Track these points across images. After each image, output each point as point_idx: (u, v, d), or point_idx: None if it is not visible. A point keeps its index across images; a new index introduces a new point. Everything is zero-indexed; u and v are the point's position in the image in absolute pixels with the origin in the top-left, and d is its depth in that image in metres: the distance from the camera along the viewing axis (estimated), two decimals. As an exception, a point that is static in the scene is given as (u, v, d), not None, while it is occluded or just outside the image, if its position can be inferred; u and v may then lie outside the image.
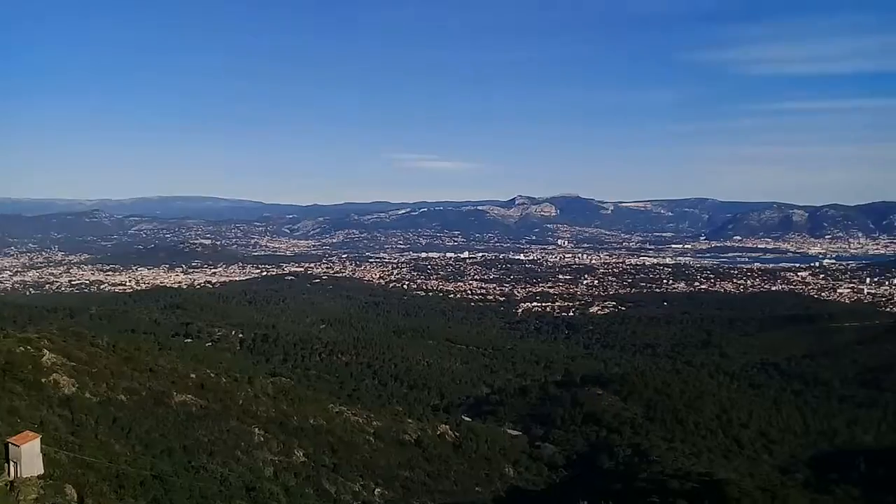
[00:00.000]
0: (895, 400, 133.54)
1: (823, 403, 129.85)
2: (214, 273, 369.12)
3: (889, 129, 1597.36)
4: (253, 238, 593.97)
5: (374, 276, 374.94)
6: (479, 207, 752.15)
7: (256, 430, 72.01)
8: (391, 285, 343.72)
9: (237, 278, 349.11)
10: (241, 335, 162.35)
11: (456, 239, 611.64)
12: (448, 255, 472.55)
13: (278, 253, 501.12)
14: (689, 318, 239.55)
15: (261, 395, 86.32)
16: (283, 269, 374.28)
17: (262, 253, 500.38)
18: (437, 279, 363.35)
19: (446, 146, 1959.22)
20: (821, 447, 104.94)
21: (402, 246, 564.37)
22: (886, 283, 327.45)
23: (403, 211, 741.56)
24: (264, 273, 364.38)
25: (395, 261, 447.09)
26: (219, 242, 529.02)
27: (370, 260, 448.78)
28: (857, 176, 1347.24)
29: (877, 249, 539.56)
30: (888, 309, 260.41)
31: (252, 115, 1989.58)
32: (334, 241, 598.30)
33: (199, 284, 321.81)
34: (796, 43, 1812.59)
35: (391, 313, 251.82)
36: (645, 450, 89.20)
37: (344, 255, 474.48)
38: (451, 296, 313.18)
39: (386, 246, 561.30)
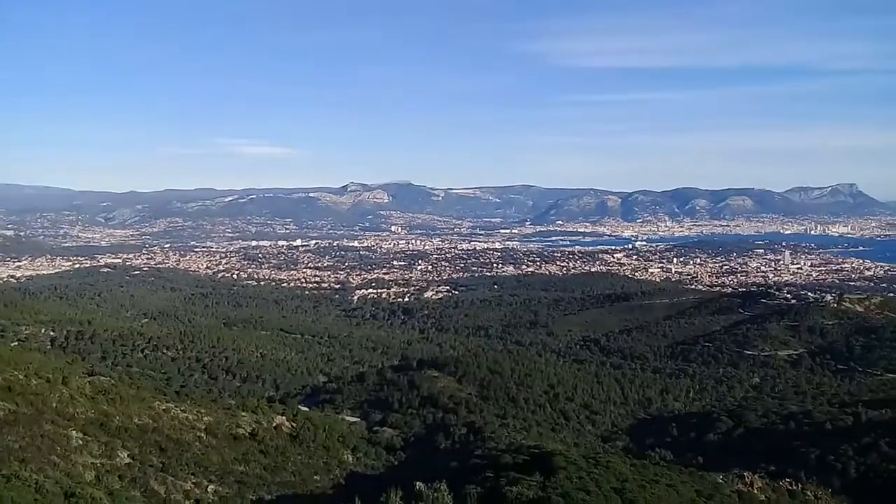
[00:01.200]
0: (699, 370, 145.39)
1: (639, 375, 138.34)
2: (19, 267, 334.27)
3: (691, 119, 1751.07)
4: (63, 228, 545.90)
5: (200, 266, 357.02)
6: (311, 194, 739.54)
7: (74, 433, 64.87)
8: (220, 275, 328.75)
9: (46, 272, 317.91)
10: (52, 333, 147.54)
11: (288, 227, 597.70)
12: (280, 243, 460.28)
13: (92, 244, 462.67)
14: (517, 299, 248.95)
15: (77, 395, 78.07)
16: (99, 261, 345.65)
17: (74, 244, 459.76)
18: (268, 268, 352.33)
19: (275, 131, 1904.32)
20: (638, 415, 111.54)
21: (230, 234, 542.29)
22: (690, 262, 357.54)
23: (231, 198, 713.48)
24: (77, 265, 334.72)
25: (224, 250, 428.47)
26: (23, 233, 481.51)
27: (196, 249, 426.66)
28: (664, 164, 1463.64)
29: (682, 231, 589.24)
30: (692, 286, 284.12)
31: (57, 90, 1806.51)
32: (155, 230, 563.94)
33: (0, 279, 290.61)
34: (612, 37, 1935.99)
35: (220, 304, 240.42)
36: (479, 427, 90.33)
37: (167, 245, 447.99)
38: (285, 285, 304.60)
39: (213, 235, 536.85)
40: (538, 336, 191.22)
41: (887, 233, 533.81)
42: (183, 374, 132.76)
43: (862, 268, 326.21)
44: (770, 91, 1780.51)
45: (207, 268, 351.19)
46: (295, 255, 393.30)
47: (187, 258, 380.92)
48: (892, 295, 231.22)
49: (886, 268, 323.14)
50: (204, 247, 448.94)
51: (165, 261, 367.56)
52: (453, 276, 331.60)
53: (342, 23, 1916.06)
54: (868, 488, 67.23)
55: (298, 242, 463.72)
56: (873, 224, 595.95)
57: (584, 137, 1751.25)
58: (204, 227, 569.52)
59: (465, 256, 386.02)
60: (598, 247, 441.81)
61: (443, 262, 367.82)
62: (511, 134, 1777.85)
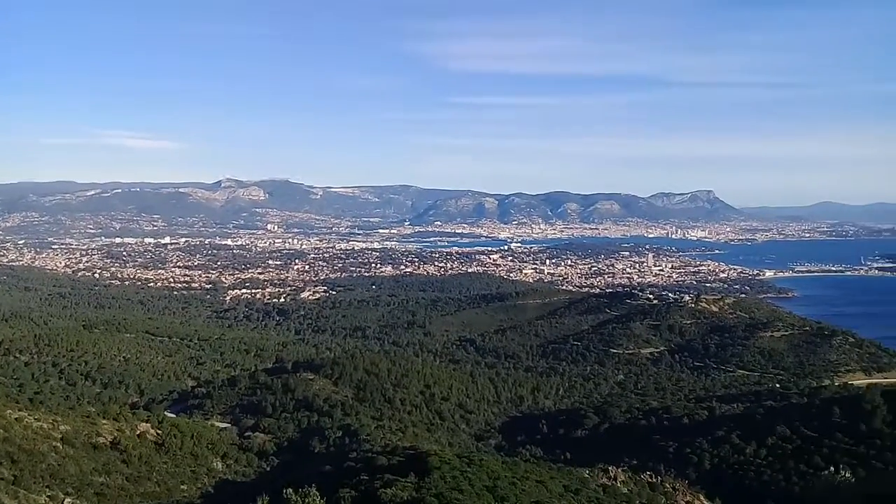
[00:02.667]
0: (569, 368, 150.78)
1: (512, 374, 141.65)
2: None
3: (565, 124, 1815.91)
4: None
5: (58, 264, 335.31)
6: (182, 190, 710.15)
7: None
8: (80, 274, 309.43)
9: None
10: None
11: (155, 223, 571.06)
12: (147, 240, 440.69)
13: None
14: (395, 300, 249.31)
15: None
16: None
17: None
18: (134, 266, 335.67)
19: (143, 122, 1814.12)
20: (510, 414, 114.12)
21: (92, 230, 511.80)
22: (562, 264, 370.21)
23: (93, 192, 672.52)
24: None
25: (85, 247, 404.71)
26: None
27: (53, 246, 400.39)
28: (539, 168, 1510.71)
29: (554, 234, 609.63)
30: (564, 287, 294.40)
31: None
32: (8, 224, 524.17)
33: None
34: (493, 40, 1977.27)
35: (80, 305, 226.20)
36: (355, 430, 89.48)
37: (21, 242, 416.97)
38: (151, 284, 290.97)
39: (73, 231, 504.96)
40: (416, 336, 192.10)
41: (741, 237, 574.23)
42: (37, 380, 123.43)
43: (717, 270, 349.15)
44: (637, 100, 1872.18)
45: (66, 266, 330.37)
46: (163, 254, 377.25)
47: (44, 255, 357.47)
48: (744, 296, 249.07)
49: (739, 270, 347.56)
50: (63, 244, 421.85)
51: (20, 258, 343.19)
52: (331, 276, 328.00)
53: (225, 16, 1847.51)
54: (721, 478, 71.76)
55: (167, 240, 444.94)
56: (728, 229, 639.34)
57: (464, 139, 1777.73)
58: (63, 223, 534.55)
59: (343, 256, 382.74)
60: (476, 248, 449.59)
61: (320, 262, 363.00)
62: (392, 134, 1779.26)
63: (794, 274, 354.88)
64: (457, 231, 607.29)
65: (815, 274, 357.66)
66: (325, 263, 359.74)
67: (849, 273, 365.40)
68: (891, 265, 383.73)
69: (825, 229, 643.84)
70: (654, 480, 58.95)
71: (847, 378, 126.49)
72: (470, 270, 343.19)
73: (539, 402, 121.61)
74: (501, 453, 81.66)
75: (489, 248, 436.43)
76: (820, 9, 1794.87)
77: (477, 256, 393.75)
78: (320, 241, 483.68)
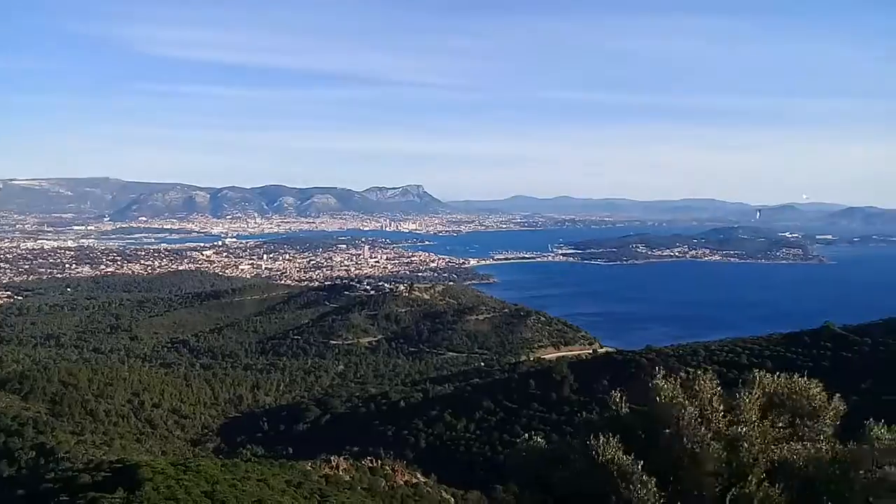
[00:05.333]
0: (290, 363, 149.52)
1: (230, 373, 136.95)
2: None
3: (280, 117, 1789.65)
4: None
5: None
6: None
7: None
8: None
9: None
10: None
11: None
12: None
13: None
14: (95, 303, 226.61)
15: None
16: None
17: None
18: None
19: None
20: (229, 414, 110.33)
21: None
22: (280, 258, 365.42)
23: None
24: None
25: None
26: None
27: None
28: (253, 160, 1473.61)
29: (271, 228, 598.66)
30: (282, 282, 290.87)
31: None
32: None
33: None
34: (204, 28, 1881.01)
35: None
36: (51, 448, 79.78)
37: None
38: None
39: None
40: (121, 342, 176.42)
41: (447, 229, 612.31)
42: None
43: (428, 260, 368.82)
44: (351, 96, 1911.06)
45: None
46: None
47: None
48: (452, 283, 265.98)
49: (447, 259, 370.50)
50: None
51: None
52: (16, 279, 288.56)
53: None
54: (436, 455, 76.11)
55: None
56: (436, 221, 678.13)
57: (170, 130, 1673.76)
58: None
59: (30, 257, 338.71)
60: (187, 244, 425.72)
61: (2, 264, 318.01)
62: (85, 122, 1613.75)
63: (495, 261, 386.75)
64: (165, 227, 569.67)
65: (513, 261, 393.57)
66: (7, 265, 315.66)
67: (539, 259, 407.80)
68: (572, 251, 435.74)
69: (519, 220, 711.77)
70: (375, 465, 60.69)
71: (540, 353, 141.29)
72: (181, 268, 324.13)
73: (259, 399, 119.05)
74: (220, 456, 78.47)
75: (202, 245, 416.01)
76: (510, 16, 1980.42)
77: (188, 253, 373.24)
78: (0, 240, 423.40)
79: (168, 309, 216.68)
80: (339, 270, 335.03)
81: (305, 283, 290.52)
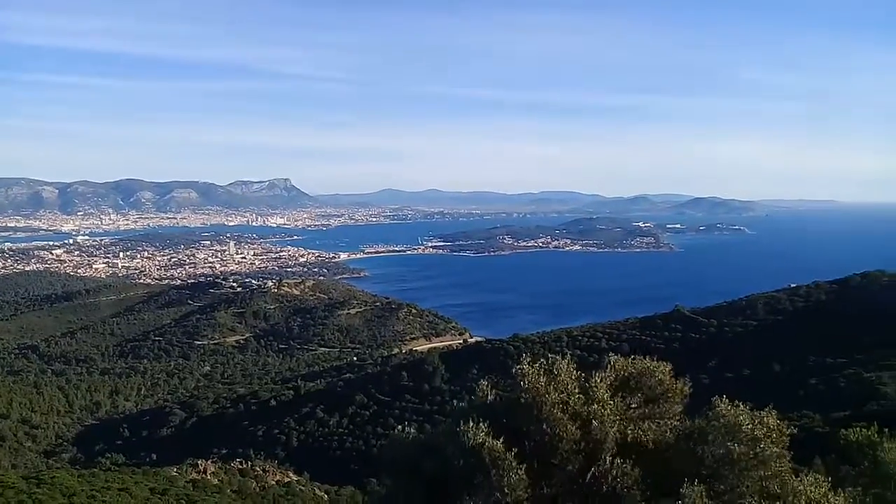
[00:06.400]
0: (151, 365, 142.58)
1: (86, 379, 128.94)
2: None
3: (134, 109, 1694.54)
4: None
5: None
6: None
7: None
8: None
9: None
10: None
11: None
12: None
13: None
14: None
15: None
16: None
17: None
18: None
19: None
20: (86, 422, 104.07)
21: None
22: (138, 256, 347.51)
23: None
24: None
25: None
26: None
27: None
28: (106, 154, 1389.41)
29: (128, 225, 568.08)
30: (141, 280, 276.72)
31: None
32: None
33: None
34: (50, 13, 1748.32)
35: None
36: None
37: None
38: None
39: None
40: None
41: (316, 223, 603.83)
42: None
43: (297, 255, 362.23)
44: (214, 88, 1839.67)
45: None
46: None
47: None
48: (322, 278, 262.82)
49: (317, 254, 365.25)
50: None
51: None
52: None
53: None
54: (309, 453, 75.18)
55: None
56: (305, 215, 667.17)
57: (12, 120, 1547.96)
58: None
59: None
60: (34, 243, 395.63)
61: None
62: None
63: (366, 255, 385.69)
64: (9, 225, 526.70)
65: (383, 254, 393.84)
66: None
67: (410, 252, 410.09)
68: (442, 244, 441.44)
69: (389, 213, 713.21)
70: (245, 466, 59.24)
71: (412, 345, 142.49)
72: (28, 269, 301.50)
73: (119, 405, 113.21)
74: (77, 466, 73.90)
75: (51, 243, 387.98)
76: (379, 11, 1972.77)
77: (36, 252, 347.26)
78: None
79: (14, 313, 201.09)
80: (202, 268, 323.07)
81: (167, 281, 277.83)
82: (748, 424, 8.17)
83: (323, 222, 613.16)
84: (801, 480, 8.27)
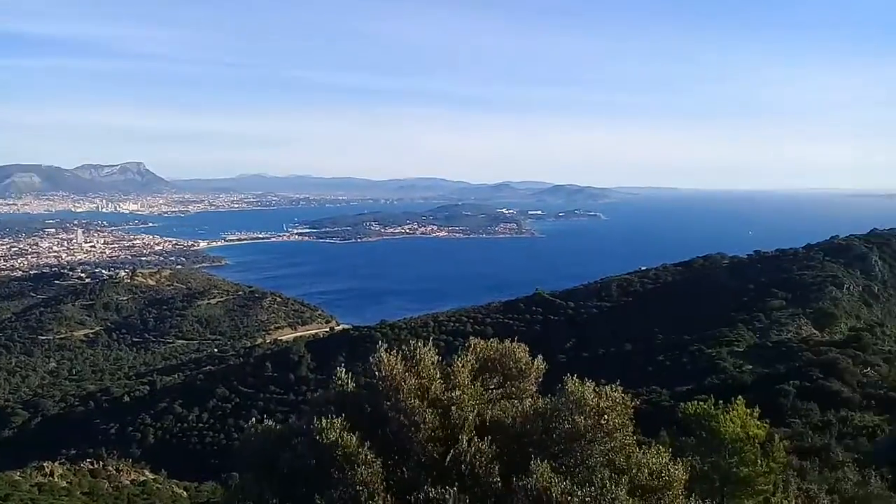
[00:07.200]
0: None
1: None
2: None
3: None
4: None
5: None
6: None
7: None
8: None
9: None
10: None
11: None
12: None
13: None
14: None
15: None
16: None
17: None
18: None
19: None
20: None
21: None
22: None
23: None
24: None
25: None
26: None
27: None
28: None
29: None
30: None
31: None
32: None
33: None
34: None
35: None
36: None
37: None
38: None
39: None
40: None
41: (174, 209, 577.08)
42: None
43: (153, 243, 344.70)
44: (54, 65, 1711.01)
45: None
46: None
47: None
48: (180, 267, 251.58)
49: (174, 242, 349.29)
50: None
51: None
52: None
53: None
54: (167, 449, 72.05)
55: None
56: (161, 201, 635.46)
57: None
58: None
59: None
60: None
61: None
62: None
63: (227, 243, 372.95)
64: None
65: (246, 241, 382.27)
66: None
67: (274, 239, 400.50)
68: (308, 230, 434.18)
69: (252, 199, 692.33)
70: (96, 466, 55.92)
71: (277, 334, 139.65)
72: None
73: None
74: None
75: None
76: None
77: None
78: None
79: None
80: (47, 258, 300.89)
81: (6, 272, 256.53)
82: (593, 398, 8.53)
83: (181, 209, 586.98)
84: (644, 453, 8.73)
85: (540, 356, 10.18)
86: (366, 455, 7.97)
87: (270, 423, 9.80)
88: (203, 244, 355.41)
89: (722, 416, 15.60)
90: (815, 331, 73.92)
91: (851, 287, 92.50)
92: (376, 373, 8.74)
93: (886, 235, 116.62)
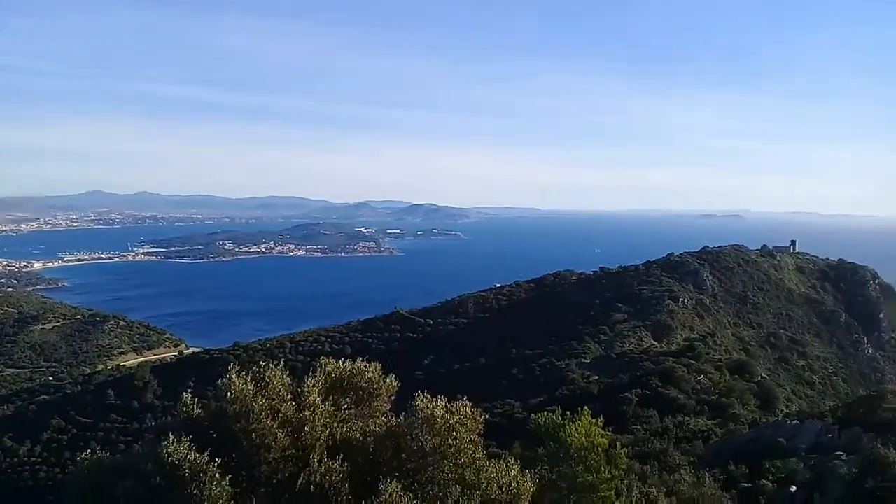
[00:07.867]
0: None
1: None
2: None
3: None
4: None
5: None
6: None
7: None
8: None
9: None
10: None
11: None
12: None
13: None
14: None
15: None
16: None
17: None
18: None
19: None
20: None
21: None
22: None
23: None
24: None
25: None
26: None
27: None
28: None
29: None
30: None
31: None
32: None
33: None
34: None
35: None
36: None
37: None
38: None
39: None
40: None
41: (4, 228, 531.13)
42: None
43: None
44: None
45: None
46: None
47: None
48: (11, 290, 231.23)
49: (4, 263, 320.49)
50: None
51: None
52: None
53: None
54: None
55: None
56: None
57: None
58: None
59: None
60: None
61: None
62: None
63: (65, 263, 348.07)
64: None
65: (87, 262, 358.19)
66: None
67: (118, 259, 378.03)
68: (156, 249, 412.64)
69: (94, 218, 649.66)
70: None
71: (120, 360, 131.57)
72: None
73: None
74: None
75: None
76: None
77: None
78: None
79: None
80: None
81: None
82: (444, 415, 8.73)
83: (12, 227, 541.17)
84: (494, 466, 9.01)
85: (392, 375, 10.29)
86: (214, 472, 7.75)
87: (104, 454, 9.35)
88: (38, 265, 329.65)
89: (568, 427, 16.32)
90: (654, 342, 78.87)
91: (686, 300, 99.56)
92: (227, 395, 8.53)
93: (716, 252, 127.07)
